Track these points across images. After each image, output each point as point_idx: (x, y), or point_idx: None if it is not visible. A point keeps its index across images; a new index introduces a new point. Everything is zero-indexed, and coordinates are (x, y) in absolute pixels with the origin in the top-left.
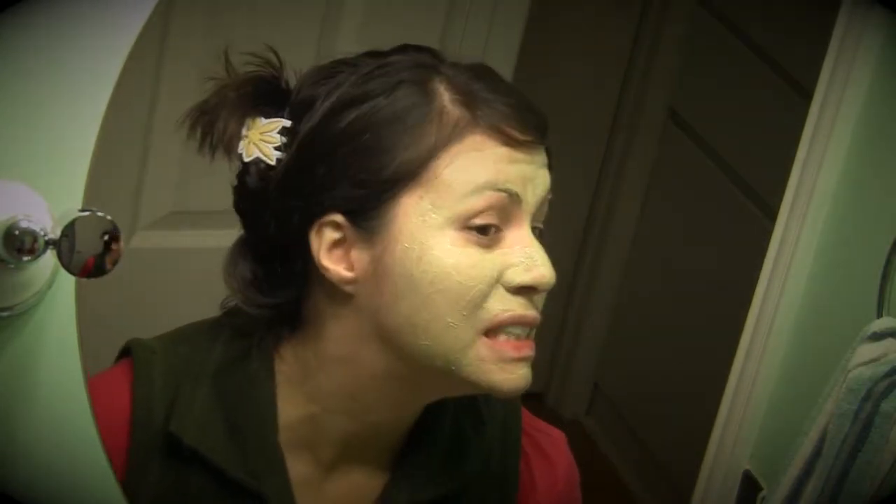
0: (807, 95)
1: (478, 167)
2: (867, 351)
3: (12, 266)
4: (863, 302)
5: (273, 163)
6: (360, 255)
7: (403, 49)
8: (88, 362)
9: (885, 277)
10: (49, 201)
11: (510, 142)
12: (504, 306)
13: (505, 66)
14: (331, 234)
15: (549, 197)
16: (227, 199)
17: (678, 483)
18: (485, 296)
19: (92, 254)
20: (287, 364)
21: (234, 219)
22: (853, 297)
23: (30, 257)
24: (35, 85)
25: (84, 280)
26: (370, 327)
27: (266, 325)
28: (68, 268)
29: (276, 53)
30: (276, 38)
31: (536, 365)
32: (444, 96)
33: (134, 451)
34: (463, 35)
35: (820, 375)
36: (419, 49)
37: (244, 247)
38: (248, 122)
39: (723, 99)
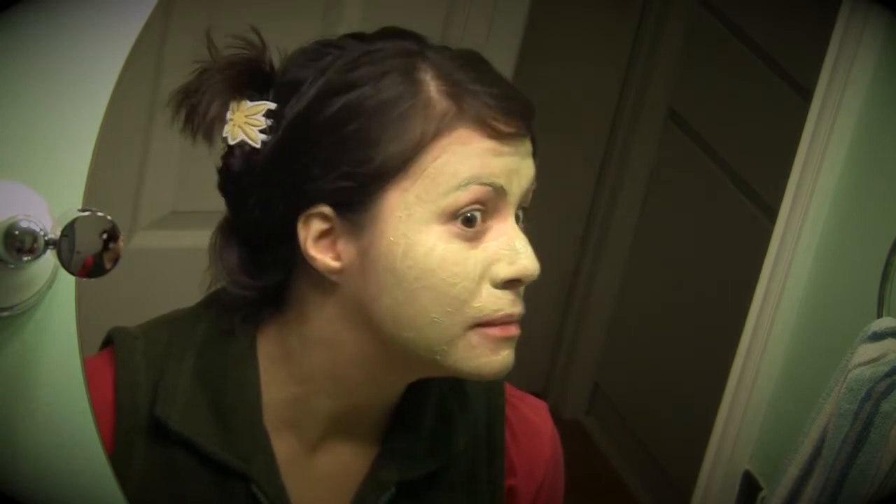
0: (807, 95)
1: (463, 161)
2: (867, 351)
3: (12, 266)
4: (863, 302)
5: (258, 146)
6: (346, 247)
7: (389, 34)
8: None
9: (885, 277)
10: (49, 201)
11: (495, 134)
12: (495, 305)
13: (505, 67)
14: (319, 225)
15: (534, 186)
16: None
17: (678, 483)
18: (470, 293)
19: (91, 254)
20: (270, 345)
21: None
22: (853, 297)
23: (30, 257)
24: (35, 85)
25: (84, 280)
26: (354, 315)
27: (249, 307)
28: (68, 268)
29: (258, 34)
30: (277, 35)
31: (536, 365)
32: (431, 86)
33: (119, 437)
34: (462, 37)
35: (820, 375)
36: (404, 35)
37: (229, 228)
38: (234, 104)
39: (723, 99)
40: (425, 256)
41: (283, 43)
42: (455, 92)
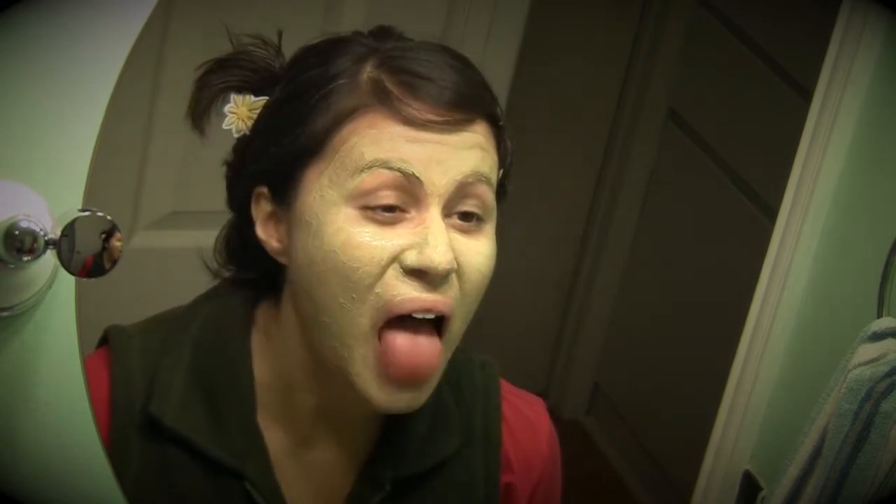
0: (807, 95)
1: (370, 145)
2: (867, 351)
3: (12, 266)
4: (863, 302)
5: None
6: (281, 227)
7: (381, 31)
8: None
9: (885, 277)
10: (49, 201)
11: (407, 120)
12: (395, 290)
13: (505, 66)
14: (265, 206)
15: (483, 179)
16: None
17: (678, 483)
18: (374, 277)
19: (91, 253)
20: (262, 342)
21: None
22: (853, 297)
23: (30, 257)
24: (35, 85)
25: (84, 280)
26: (297, 301)
27: (243, 303)
28: (68, 268)
29: (279, 36)
30: (275, 34)
31: (536, 365)
32: (366, 70)
33: (115, 434)
34: (462, 37)
35: (820, 375)
36: (384, 29)
37: (231, 220)
38: (238, 98)
39: (723, 99)
40: (331, 238)
41: (283, 43)
42: (378, 76)
